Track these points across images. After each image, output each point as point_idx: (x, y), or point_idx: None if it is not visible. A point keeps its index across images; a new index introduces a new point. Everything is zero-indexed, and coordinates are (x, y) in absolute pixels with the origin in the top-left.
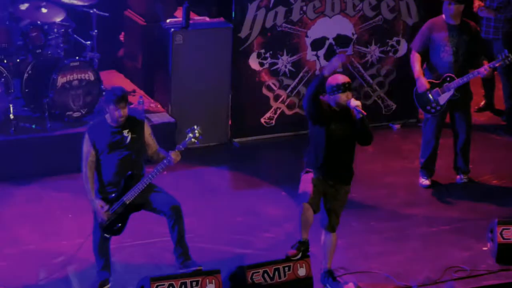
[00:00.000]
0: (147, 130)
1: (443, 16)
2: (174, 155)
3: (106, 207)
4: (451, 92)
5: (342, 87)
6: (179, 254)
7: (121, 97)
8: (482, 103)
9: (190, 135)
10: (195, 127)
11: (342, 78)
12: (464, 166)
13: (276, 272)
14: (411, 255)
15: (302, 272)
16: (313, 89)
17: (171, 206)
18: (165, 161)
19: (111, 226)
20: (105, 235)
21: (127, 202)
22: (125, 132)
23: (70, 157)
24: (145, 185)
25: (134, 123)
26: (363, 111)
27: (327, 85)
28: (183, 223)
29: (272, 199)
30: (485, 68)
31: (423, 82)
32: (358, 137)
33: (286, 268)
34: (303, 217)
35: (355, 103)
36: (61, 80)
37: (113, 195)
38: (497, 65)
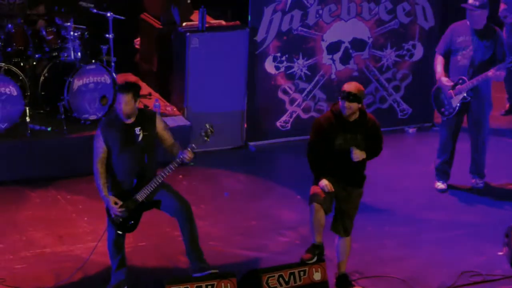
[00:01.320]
0: (160, 125)
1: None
2: (188, 153)
3: (120, 203)
4: (463, 94)
5: (343, 95)
6: (193, 258)
7: (125, 87)
8: (507, 105)
9: (202, 133)
10: (207, 125)
11: (349, 86)
12: (479, 170)
13: (292, 276)
14: (426, 259)
15: (317, 276)
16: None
17: (182, 207)
18: (178, 159)
19: (124, 223)
20: (118, 232)
21: (140, 200)
22: (137, 130)
23: (86, 160)
24: (158, 183)
25: (146, 119)
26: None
27: (340, 91)
28: (194, 225)
29: (288, 202)
30: (492, 72)
31: (444, 83)
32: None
33: (302, 272)
34: (314, 218)
35: (356, 156)
36: (77, 83)
37: (125, 192)
38: (503, 69)
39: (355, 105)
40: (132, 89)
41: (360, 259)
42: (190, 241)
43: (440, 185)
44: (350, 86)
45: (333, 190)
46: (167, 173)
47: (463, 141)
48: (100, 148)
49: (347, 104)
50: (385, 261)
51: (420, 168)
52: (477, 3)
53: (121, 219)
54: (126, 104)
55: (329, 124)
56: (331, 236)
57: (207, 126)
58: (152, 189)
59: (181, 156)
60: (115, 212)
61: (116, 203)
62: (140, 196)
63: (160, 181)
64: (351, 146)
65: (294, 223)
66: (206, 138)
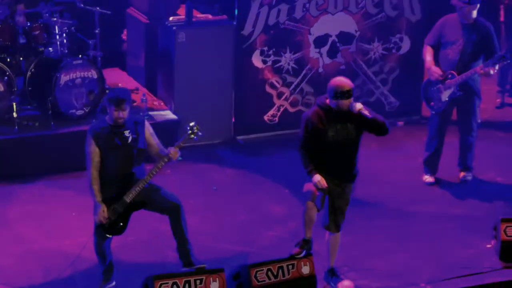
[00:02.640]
0: (148, 130)
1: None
2: (173, 152)
3: (106, 214)
4: (452, 89)
5: (347, 94)
6: (182, 254)
7: (122, 99)
8: (499, 100)
9: (189, 131)
10: (193, 123)
11: (346, 84)
12: (468, 164)
13: (280, 271)
14: (414, 252)
15: (306, 270)
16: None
17: (171, 205)
18: (164, 158)
19: (113, 226)
20: (107, 235)
21: (128, 201)
22: (126, 133)
23: (74, 155)
24: (146, 184)
25: (135, 123)
26: (367, 113)
27: (330, 88)
28: (184, 222)
29: (276, 196)
30: (480, 67)
31: (434, 70)
32: (373, 130)
33: (290, 266)
34: (306, 216)
35: (357, 107)
36: (64, 78)
37: (114, 194)
38: (490, 65)
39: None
40: (130, 99)
41: (348, 253)
42: (179, 238)
43: (428, 178)
44: (344, 82)
45: (326, 186)
46: (154, 173)
47: (452, 134)
48: (94, 153)
49: (352, 101)
50: (373, 254)
51: (408, 161)
52: None
53: (108, 223)
54: (125, 114)
55: (319, 118)
56: (320, 230)
57: (192, 125)
58: (139, 189)
59: (167, 154)
60: (101, 219)
61: (104, 211)
62: (128, 198)
63: (147, 181)
64: (343, 136)
65: (283, 217)
66: (192, 136)
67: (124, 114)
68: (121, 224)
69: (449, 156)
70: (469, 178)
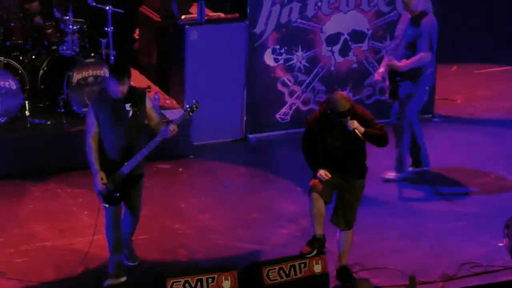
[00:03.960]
0: (149, 103)
1: None
2: (172, 129)
3: (105, 180)
4: (386, 83)
5: (341, 115)
6: (129, 247)
7: (125, 72)
8: None
9: (188, 109)
10: (194, 101)
11: (342, 106)
12: (414, 159)
13: (292, 269)
14: (426, 251)
15: (318, 268)
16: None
17: (136, 210)
18: (161, 134)
19: (110, 195)
20: (105, 205)
21: (126, 173)
22: (127, 106)
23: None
24: (144, 157)
25: (135, 96)
26: (360, 133)
27: (328, 102)
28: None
29: (288, 195)
30: (400, 62)
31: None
32: (371, 143)
33: (302, 265)
34: (314, 207)
35: (352, 126)
36: (76, 76)
37: (114, 165)
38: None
39: (348, 103)
40: (130, 72)
41: (360, 251)
42: (131, 233)
43: (390, 174)
44: (341, 103)
45: (329, 176)
46: (152, 147)
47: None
48: (93, 124)
49: (349, 120)
50: (386, 253)
51: None
52: None
53: (107, 192)
54: (126, 87)
55: (318, 124)
56: (333, 228)
57: (193, 102)
58: (137, 162)
59: (165, 131)
60: (100, 186)
61: (102, 179)
62: (126, 169)
63: (145, 155)
64: (343, 142)
65: (295, 215)
66: (190, 114)
67: (126, 88)
68: (117, 194)
69: (462, 153)
70: (416, 170)
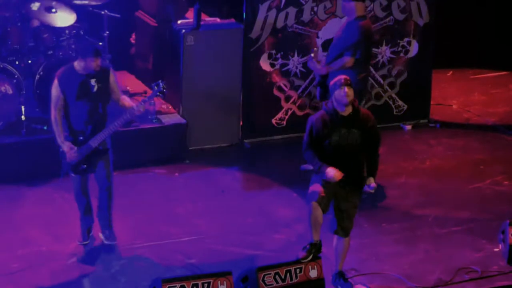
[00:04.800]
0: (112, 78)
1: None
2: (139, 106)
3: (74, 148)
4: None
5: (338, 83)
6: (105, 225)
7: (99, 50)
8: None
9: (157, 90)
10: (160, 81)
11: (340, 76)
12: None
13: (288, 274)
14: (422, 256)
15: (313, 273)
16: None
17: (108, 177)
18: (128, 112)
19: (78, 166)
20: (72, 174)
21: (93, 146)
22: (93, 81)
23: None
24: (111, 132)
25: (100, 72)
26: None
27: (329, 87)
28: (110, 198)
29: (283, 200)
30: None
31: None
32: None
33: (298, 270)
34: (312, 216)
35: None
36: None
37: (81, 138)
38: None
39: (352, 92)
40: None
41: (356, 256)
42: (107, 208)
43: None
44: (341, 76)
45: (343, 174)
46: (120, 123)
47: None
48: (58, 96)
49: (348, 89)
50: (382, 258)
51: (416, 165)
52: None
53: (75, 163)
54: (98, 64)
55: (323, 122)
56: (329, 234)
57: (160, 82)
58: (104, 136)
59: (131, 109)
60: (70, 156)
61: (71, 148)
62: (93, 143)
63: (112, 130)
64: (347, 141)
65: (290, 220)
66: (159, 94)
67: (99, 64)
68: (85, 166)
69: (457, 158)
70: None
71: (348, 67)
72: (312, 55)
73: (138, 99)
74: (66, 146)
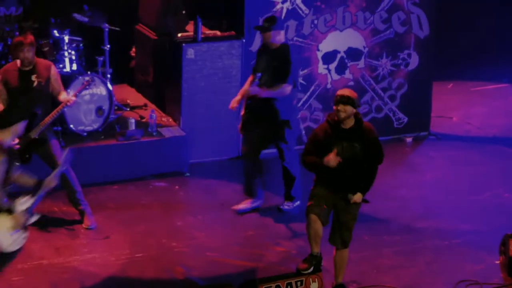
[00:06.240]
0: (53, 75)
1: None
2: (68, 98)
3: (17, 140)
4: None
5: (335, 99)
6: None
7: (28, 40)
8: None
9: (85, 83)
10: (88, 76)
11: (341, 91)
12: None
13: (289, 287)
14: (423, 268)
15: (314, 286)
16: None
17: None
18: (62, 104)
19: (20, 156)
20: (15, 163)
21: (33, 137)
22: (33, 77)
23: (83, 171)
24: (49, 124)
25: (41, 68)
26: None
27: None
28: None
29: (284, 213)
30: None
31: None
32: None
33: (299, 283)
34: (311, 229)
35: (352, 200)
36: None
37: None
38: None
39: (349, 108)
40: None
41: (357, 268)
42: (71, 192)
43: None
44: (343, 91)
45: (340, 160)
46: (55, 115)
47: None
48: (2, 91)
49: (341, 107)
50: (382, 270)
51: (416, 177)
52: (267, 24)
53: (17, 153)
54: (30, 56)
55: (325, 134)
56: (329, 246)
57: (87, 78)
58: (43, 128)
59: (64, 100)
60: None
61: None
62: (32, 134)
63: (48, 123)
64: (349, 154)
65: (291, 233)
66: (87, 87)
67: (30, 55)
68: (27, 156)
69: (458, 171)
70: (287, 207)
71: (287, 94)
72: (258, 80)
73: (138, 112)
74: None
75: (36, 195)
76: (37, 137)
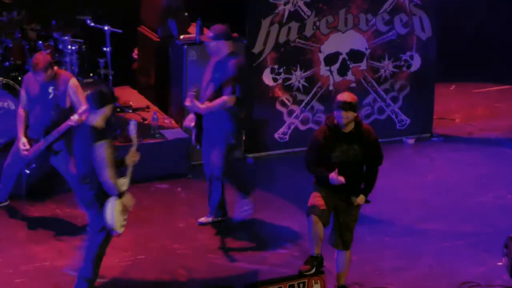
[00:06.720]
0: (72, 88)
1: None
2: (76, 118)
3: (27, 146)
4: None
5: (336, 105)
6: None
7: (41, 65)
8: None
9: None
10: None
11: (342, 96)
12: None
13: None
14: (425, 270)
15: None
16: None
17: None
18: (68, 121)
19: (29, 165)
20: (26, 171)
21: (43, 148)
22: (50, 89)
23: None
24: (59, 135)
25: (60, 81)
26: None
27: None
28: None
29: (287, 214)
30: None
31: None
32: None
33: (301, 285)
34: (312, 230)
35: (355, 203)
36: None
37: (35, 136)
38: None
39: (351, 114)
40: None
41: (359, 271)
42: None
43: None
44: (344, 96)
45: (344, 182)
46: (66, 128)
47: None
48: (23, 96)
49: (343, 113)
50: (385, 272)
51: (419, 179)
52: (212, 35)
53: (27, 161)
54: (44, 74)
55: (325, 137)
56: (331, 248)
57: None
58: (54, 139)
59: (72, 120)
60: (22, 152)
61: (24, 145)
62: (43, 144)
63: (61, 133)
64: (349, 157)
65: (293, 235)
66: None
67: (44, 77)
68: (34, 165)
69: (460, 172)
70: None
71: (229, 106)
72: (194, 94)
73: (140, 114)
74: (20, 142)
75: (128, 175)
76: (47, 148)
